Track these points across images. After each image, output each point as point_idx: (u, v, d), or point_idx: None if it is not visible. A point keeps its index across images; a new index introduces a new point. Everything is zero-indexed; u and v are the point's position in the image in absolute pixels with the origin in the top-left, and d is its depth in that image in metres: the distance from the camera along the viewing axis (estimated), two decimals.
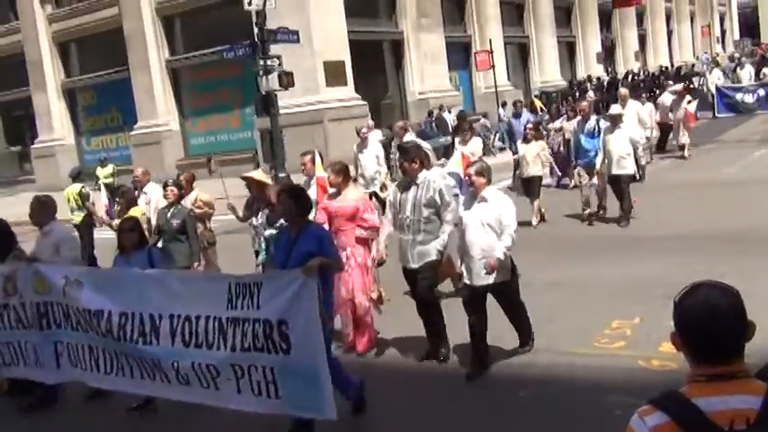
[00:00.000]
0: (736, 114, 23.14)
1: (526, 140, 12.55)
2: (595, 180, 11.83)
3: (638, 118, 14.88)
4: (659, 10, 50.19)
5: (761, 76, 25.92)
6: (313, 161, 9.29)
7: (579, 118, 13.11)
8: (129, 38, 27.22)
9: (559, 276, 8.90)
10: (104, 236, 12.53)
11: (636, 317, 7.06)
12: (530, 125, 13.04)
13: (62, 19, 30.07)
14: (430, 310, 6.65)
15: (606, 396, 5.35)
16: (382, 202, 10.72)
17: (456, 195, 7.39)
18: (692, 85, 25.73)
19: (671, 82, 25.69)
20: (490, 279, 6.05)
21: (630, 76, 38.27)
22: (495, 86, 28.16)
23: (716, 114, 23.50)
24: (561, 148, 15.53)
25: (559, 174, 14.77)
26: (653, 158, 17.02)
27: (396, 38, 27.88)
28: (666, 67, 43.49)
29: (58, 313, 6.06)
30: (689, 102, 17.98)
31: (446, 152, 17.95)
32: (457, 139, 12.99)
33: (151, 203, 9.76)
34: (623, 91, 16.38)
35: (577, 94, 31.86)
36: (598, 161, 11.57)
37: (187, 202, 9.03)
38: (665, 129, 18.39)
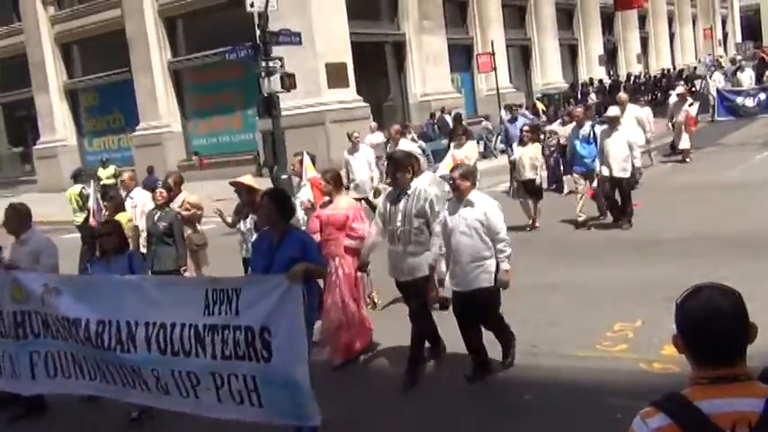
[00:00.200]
0: (737, 118, 23.09)
1: (522, 143, 12.45)
2: (596, 183, 11.77)
3: (636, 122, 14.86)
4: (661, 12, 50.17)
5: (764, 80, 25.84)
6: (301, 162, 9.23)
7: (573, 124, 12.95)
8: (132, 39, 27.25)
9: (560, 279, 8.89)
10: None
11: (638, 319, 7.06)
12: (526, 128, 12.94)
13: (64, 20, 30.12)
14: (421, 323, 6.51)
15: (608, 399, 5.34)
16: (374, 208, 10.66)
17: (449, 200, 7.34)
18: (693, 89, 25.70)
19: (681, 83, 25.60)
20: (476, 285, 5.93)
21: (632, 79, 38.32)
22: (497, 89, 28.16)
23: (716, 118, 23.44)
24: (554, 153, 15.51)
25: (556, 181, 14.82)
26: (653, 161, 16.99)
27: (398, 40, 27.89)
28: (668, 70, 43.51)
29: (36, 322, 5.89)
30: (690, 105, 17.96)
31: (446, 155, 17.94)
32: (452, 143, 12.97)
33: (138, 208, 9.69)
34: (623, 96, 16.36)
35: (579, 96, 31.93)
36: (597, 165, 11.52)
37: (175, 204, 8.94)
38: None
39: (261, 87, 17.50)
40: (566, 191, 14.67)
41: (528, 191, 12.19)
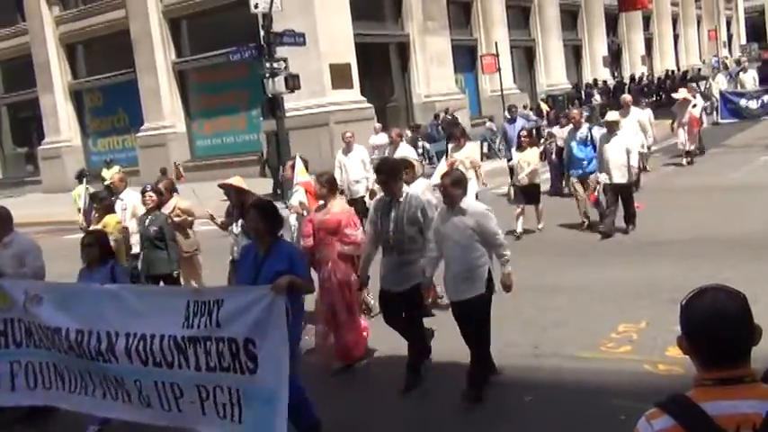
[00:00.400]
0: (740, 120, 23.04)
1: (521, 148, 12.26)
2: (599, 187, 11.64)
3: (639, 126, 14.79)
4: (665, 13, 50.13)
5: None
6: (293, 167, 9.12)
7: (570, 126, 12.78)
8: (136, 40, 27.32)
9: (564, 280, 8.89)
10: None
11: (642, 321, 7.05)
12: (524, 132, 12.79)
13: (69, 21, 30.20)
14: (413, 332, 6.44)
15: (612, 400, 5.34)
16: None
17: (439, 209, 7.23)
18: (697, 92, 25.65)
19: (694, 84, 25.53)
20: (468, 294, 5.73)
21: (637, 80, 38.27)
22: (501, 89, 28.15)
23: (719, 120, 23.38)
24: (553, 156, 15.47)
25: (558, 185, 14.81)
26: (648, 167, 16.84)
27: (402, 41, 27.90)
28: (673, 71, 43.47)
29: (19, 330, 5.79)
30: (693, 106, 17.93)
31: (447, 156, 17.92)
32: (450, 146, 12.88)
33: (127, 210, 9.60)
34: (626, 97, 16.30)
35: (583, 97, 31.89)
36: (596, 167, 11.37)
37: (166, 210, 8.76)
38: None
39: (265, 88, 17.55)
40: (565, 190, 14.59)
41: (526, 196, 12.08)
